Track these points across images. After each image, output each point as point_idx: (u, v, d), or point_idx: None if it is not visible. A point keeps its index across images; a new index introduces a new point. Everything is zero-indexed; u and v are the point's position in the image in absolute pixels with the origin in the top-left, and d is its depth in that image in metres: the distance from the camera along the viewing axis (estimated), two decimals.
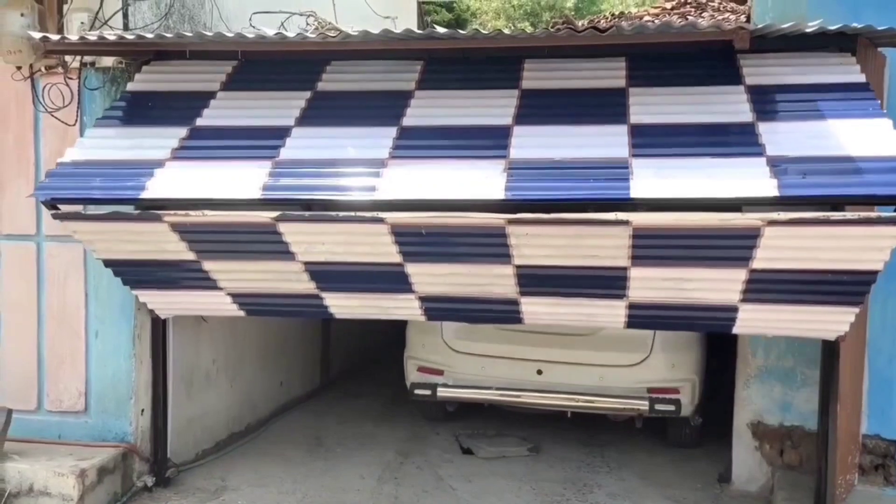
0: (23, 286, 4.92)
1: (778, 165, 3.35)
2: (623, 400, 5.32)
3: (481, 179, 3.59)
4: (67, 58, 4.66)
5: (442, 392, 5.62)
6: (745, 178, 3.36)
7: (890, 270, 4.41)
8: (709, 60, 3.98)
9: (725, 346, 5.19)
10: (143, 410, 4.89)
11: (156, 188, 3.84)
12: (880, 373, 4.57)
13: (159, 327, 4.88)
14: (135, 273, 4.45)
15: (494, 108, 3.99)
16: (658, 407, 5.25)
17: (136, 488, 4.84)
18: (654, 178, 3.44)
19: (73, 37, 4.28)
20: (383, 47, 4.07)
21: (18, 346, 4.96)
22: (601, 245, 3.67)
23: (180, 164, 3.97)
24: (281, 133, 4.02)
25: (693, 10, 8.88)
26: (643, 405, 5.27)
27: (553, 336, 5.38)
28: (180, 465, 5.11)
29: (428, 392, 5.65)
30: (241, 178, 3.82)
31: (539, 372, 5.39)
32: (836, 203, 3.41)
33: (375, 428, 6.18)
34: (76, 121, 4.74)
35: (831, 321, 3.86)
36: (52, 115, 4.71)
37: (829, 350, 4.11)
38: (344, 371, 7.73)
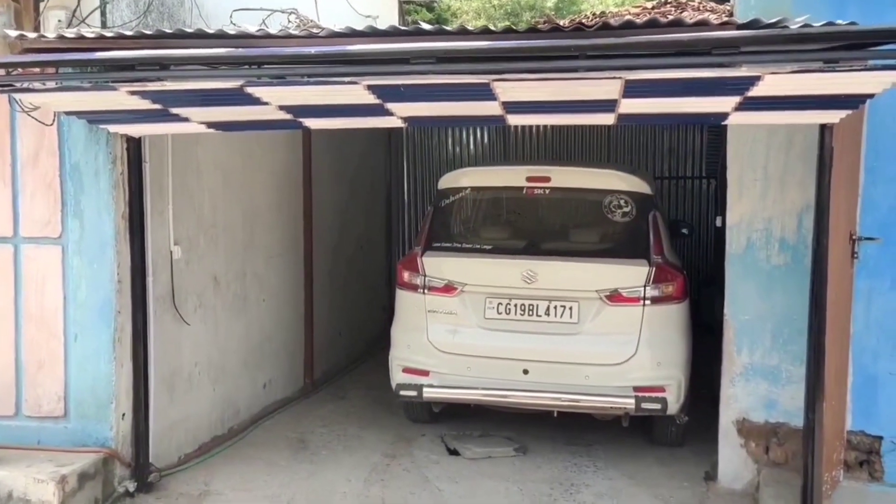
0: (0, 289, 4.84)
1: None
2: (609, 399, 5.30)
3: (467, 42, 3.55)
4: None
5: (428, 393, 5.57)
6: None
7: (873, 268, 4.53)
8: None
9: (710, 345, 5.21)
10: (124, 415, 4.82)
11: (110, 52, 3.72)
12: (865, 370, 4.60)
13: (140, 330, 4.81)
14: (99, 118, 4.43)
15: None
16: (644, 405, 5.23)
17: (118, 494, 4.77)
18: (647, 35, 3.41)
19: (51, 35, 4.21)
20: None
21: None
22: (592, 91, 3.67)
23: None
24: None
25: (673, 9, 8.90)
26: (629, 404, 5.25)
27: (539, 336, 5.38)
28: (162, 469, 5.04)
29: (413, 393, 5.60)
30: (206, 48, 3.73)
31: (525, 371, 5.36)
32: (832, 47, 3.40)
33: (361, 430, 6.14)
34: (53, 120, 4.67)
35: (823, 117, 3.94)
36: (29, 115, 4.63)
37: (815, 348, 4.12)
38: (328, 373, 7.67)
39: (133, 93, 3.86)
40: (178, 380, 5.31)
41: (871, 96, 3.63)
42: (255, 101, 3.93)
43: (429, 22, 15.13)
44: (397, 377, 5.71)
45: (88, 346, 4.77)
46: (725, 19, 3.67)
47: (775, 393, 4.80)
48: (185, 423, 5.38)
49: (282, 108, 4.08)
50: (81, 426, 4.79)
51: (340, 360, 8.01)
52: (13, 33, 4.18)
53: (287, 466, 5.39)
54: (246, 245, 6.21)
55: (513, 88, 3.66)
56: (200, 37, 4.07)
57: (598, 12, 10.49)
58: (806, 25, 3.30)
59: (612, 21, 3.47)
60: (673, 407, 5.30)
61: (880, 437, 4.60)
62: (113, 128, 4.59)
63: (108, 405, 4.76)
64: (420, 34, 3.72)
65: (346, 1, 7.22)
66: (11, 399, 4.85)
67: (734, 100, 3.74)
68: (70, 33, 4.18)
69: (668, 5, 9.33)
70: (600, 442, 5.86)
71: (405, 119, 4.28)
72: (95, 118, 4.45)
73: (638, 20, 3.44)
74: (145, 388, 4.87)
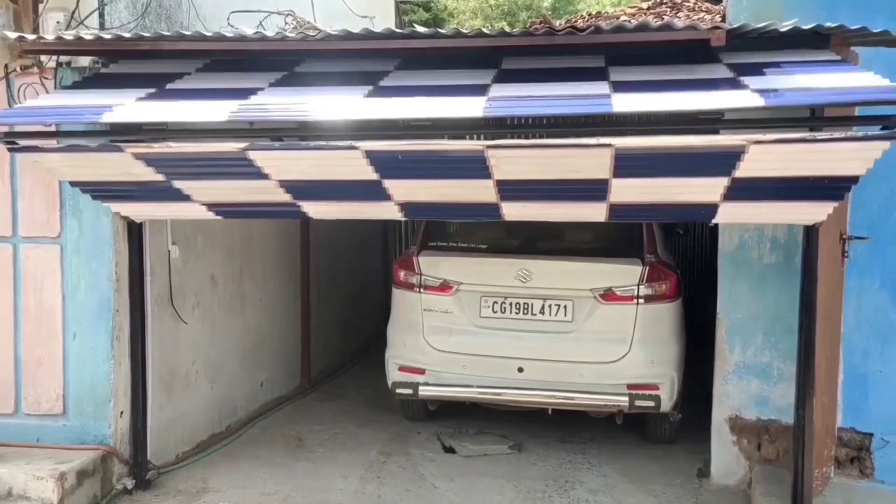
0: None
1: (762, 91, 3.34)
2: (603, 396, 5.35)
3: (460, 104, 3.54)
4: (43, 57, 4.61)
5: (423, 391, 5.62)
6: (730, 97, 3.38)
7: (863, 267, 4.58)
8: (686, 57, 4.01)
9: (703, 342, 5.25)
10: (122, 412, 4.86)
11: (116, 115, 3.71)
12: (855, 367, 4.65)
13: (138, 329, 4.85)
14: (102, 190, 4.44)
15: (473, 76, 3.94)
16: (638, 403, 5.29)
17: (116, 491, 4.81)
18: (636, 98, 3.43)
19: (50, 36, 4.24)
20: (365, 46, 4.06)
21: None
22: (583, 164, 3.69)
23: (145, 102, 3.87)
24: (253, 90, 3.91)
25: (669, 9, 8.95)
26: (623, 401, 5.31)
27: (534, 334, 5.42)
28: (160, 466, 5.08)
29: (409, 391, 5.65)
30: (208, 107, 3.71)
31: (520, 370, 5.41)
32: (817, 117, 3.48)
33: (357, 428, 6.18)
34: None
35: (810, 212, 3.95)
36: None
37: (805, 346, 4.18)
38: (325, 371, 7.71)
39: (138, 156, 3.87)
40: (175, 378, 5.34)
41: (855, 181, 3.60)
42: (256, 174, 3.94)
43: (425, 22, 15.17)
44: (393, 375, 5.75)
45: (87, 344, 4.81)
46: (716, 24, 3.71)
47: (767, 390, 4.86)
48: (182, 422, 5.42)
49: (282, 184, 4.08)
50: (80, 424, 4.82)
51: (337, 358, 8.05)
52: (12, 35, 4.21)
53: (284, 464, 5.43)
54: (243, 245, 6.24)
55: (507, 160, 3.67)
56: (198, 39, 4.11)
57: (593, 13, 10.54)
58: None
59: (603, 26, 3.52)
60: (666, 404, 5.35)
61: (871, 434, 4.66)
62: (115, 206, 4.61)
63: (106, 403, 4.80)
64: (415, 37, 3.76)
65: (342, 2, 7.25)
66: (11, 397, 4.89)
67: (723, 183, 3.72)
68: (69, 35, 4.21)
69: (664, 5, 9.38)
70: (594, 439, 5.91)
71: (402, 205, 4.27)
72: (100, 190, 4.43)
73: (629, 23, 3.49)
74: (143, 387, 4.91)
